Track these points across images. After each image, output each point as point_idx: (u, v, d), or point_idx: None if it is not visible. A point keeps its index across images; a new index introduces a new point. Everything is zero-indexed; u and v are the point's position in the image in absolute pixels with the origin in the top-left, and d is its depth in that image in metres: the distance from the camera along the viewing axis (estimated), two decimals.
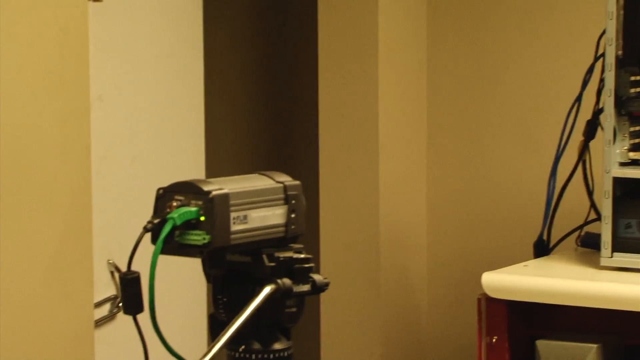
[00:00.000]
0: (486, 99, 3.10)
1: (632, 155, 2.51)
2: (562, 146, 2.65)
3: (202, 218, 1.58)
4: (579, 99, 2.63)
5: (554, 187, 2.66)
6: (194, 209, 1.58)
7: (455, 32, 3.13)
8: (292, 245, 1.66)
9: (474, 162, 3.11)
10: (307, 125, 3.28)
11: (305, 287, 1.63)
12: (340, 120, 3.08)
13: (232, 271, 1.65)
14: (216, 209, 1.58)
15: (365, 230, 3.06)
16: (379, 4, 3.03)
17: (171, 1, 2.84)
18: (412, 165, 3.13)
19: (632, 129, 2.52)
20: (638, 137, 2.53)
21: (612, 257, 2.50)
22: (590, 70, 2.61)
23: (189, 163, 2.87)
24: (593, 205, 2.67)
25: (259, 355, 1.65)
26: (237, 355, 1.65)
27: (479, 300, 2.52)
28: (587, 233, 2.68)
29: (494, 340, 2.51)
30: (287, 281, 1.61)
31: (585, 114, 2.64)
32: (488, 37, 3.09)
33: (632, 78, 2.50)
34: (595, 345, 2.45)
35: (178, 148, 2.84)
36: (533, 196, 2.85)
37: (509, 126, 3.07)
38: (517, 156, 3.06)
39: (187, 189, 1.59)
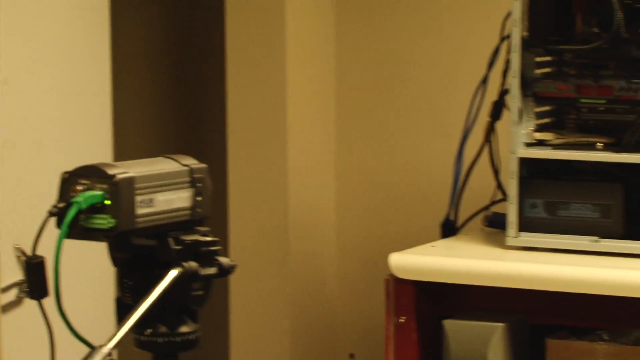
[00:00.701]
0: (394, 82, 3.11)
1: (538, 135, 2.54)
2: (468, 127, 2.67)
3: (107, 202, 1.58)
4: (484, 80, 2.65)
5: (460, 168, 2.67)
6: (99, 192, 1.58)
7: (363, 16, 3.13)
8: (198, 228, 1.67)
9: (381, 145, 3.13)
10: (216, 110, 3.27)
11: (212, 270, 1.64)
12: (249, 105, 3.09)
13: (138, 255, 1.65)
14: (121, 193, 1.58)
15: (274, 214, 3.07)
16: None
17: None
18: (321, 148, 3.14)
19: (537, 109, 2.55)
20: (543, 118, 2.56)
21: (518, 236, 2.53)
22: (496, 52, 2.63)
23: (96, 147, 2.85)
24: (499, 185, 2.69)
25: (166, 339, 1.65)
26: (143, 338, 1.65)
27: (386, 281, 2.53)
28: (493, 213, 2.70)
29: (401, 320, 2.52)
30: (193, 264, 1.62)
31: (492, 95, 2.65)
32: (395, 21, 3.10)
33: (537, 59, 2.54)
34: (501, 324, 2.47)
35: (85, 132, 2.82)
36: (441, 178, 2.87)
37: (416, 109, 3.09)
38: (424, 138, 3.08)
39: (92, 173, 1.60)
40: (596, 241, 2.48)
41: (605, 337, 2.46)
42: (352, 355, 3.09)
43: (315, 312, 3.13)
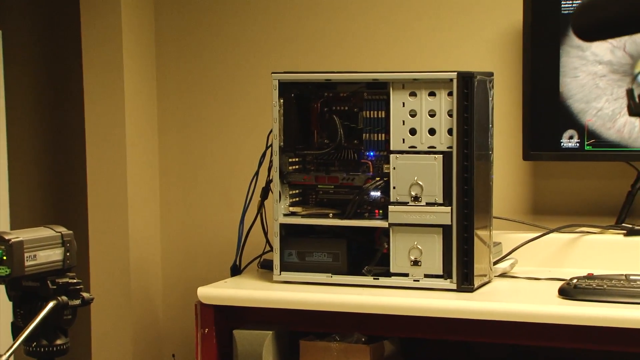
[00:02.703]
0: (199, 172, 3.08)
1: (292, 209, 2.54)
2: (247, 203, 2.66)
3: (4, 257, 1.52)
4: (256, 173, 2.64)
5: (242, 230, 2.66)
6: None
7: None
8: (67, 273, 1.61)
9: (197, 212, 3.07)
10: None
11: (77, 301, 1.60)
12: (101, 181, 3.01)
13: (26, 292, 1.59)
14: (14, 251, 1.52)
15: (119, 261, 3.00)
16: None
17: None
18: (150, 210, 3.09)
19: (290, 192, 2.55)
20: (294, 197, 2.56)
21: (280, 274, 2.52)
22: (263, 155, 2.62)
23: None
24: (267, 241, 2.68)
25: (46, 349, 1.59)
26: (30, 349, 1.59)
27: (195, 305, 2.50)
28: (264, 260, 2.68)
29: (206, 331, 2.48)
30: (64, 298, 1.57)
31: (261, 182, 2.64)
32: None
33: (290, 160, 2.54)
34: (270, 332, 2.46)
35: None
36: (231, 235, 2.83)
37: (217, 190, 3.06)
38: (219, 208, 3.05)
39: None
40: (330, 277, 2.48)
41: (338, 338, 2.46)
42: (173, 355, 3.03)
43: (150, 326, 3.07)
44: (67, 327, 1.59)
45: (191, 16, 3.03)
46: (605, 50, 2.58)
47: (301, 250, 2.50)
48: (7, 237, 1.50)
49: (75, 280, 1.58)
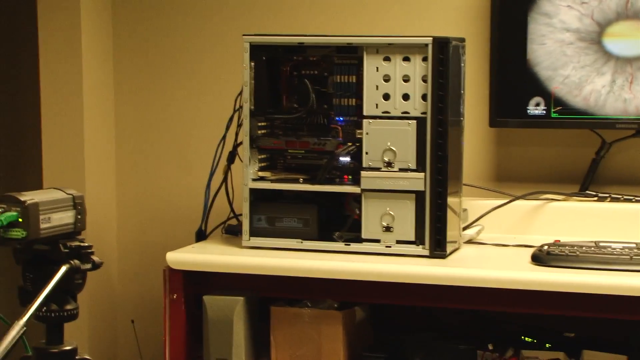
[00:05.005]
0: (158, 135, 3.05)
1: (260, 173, 2.54)
2: (213, 168, 2.65)
3: (20, 219, 1.49)
4: (224, 137, 2.63)
5: (208, 196, 2.65)
6: (14, 213, 1.49)
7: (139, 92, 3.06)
8: (77, 237, 1.59)
9: (156, 174, 3.04)
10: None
11: (88, 265, 1.58)
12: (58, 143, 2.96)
13: (36, 256, 1.57)
14: (30, 213, 1.49)
15: None
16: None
17: None
18: (105, 174, 3.05)
19: (259, 156, 2.55)
20: (263, 162, 2.56)
21: (249, 240, 2.51)
22: (231, 118, 2.61)
23: None
24: (232, 208, 2.68)
25: (57, 314, 1.57)
26: (40, 314, 1.56)
27: (164, 270, 2.48)
28: (229, 225, 2.68)
29: (174, 297, 2.47)
30: (77, 262, 1.55)
31: (228, 146, 2.63)
32: (161, 85, 3.03)
33: (259, 124, 2.53)
34: (241, 298, 2.46)
35: None
36: (196, 201, 2.81)
37: (176, 155, 3.03)
38: (183, 174, 3.02)
39: (8, 200, 1.50)
40: (301, 242, 2.49)
41: (309, 304, 2.48)
42: (132, 321, 3.01)
43: (105, 293, 3.03)
44: (77, 292, 1.57)
45: None
46: (573, 17, 2.64)
47: (271, 216, 2.50)
48: (22, 199, 1.47)
49: (85, 244, 1.56)
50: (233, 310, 2.43)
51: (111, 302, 3.05)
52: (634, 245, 2.39)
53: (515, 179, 2.78)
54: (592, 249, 2.37)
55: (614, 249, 2.35)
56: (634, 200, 2.64)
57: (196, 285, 2.49)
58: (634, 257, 2.28)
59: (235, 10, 2.93)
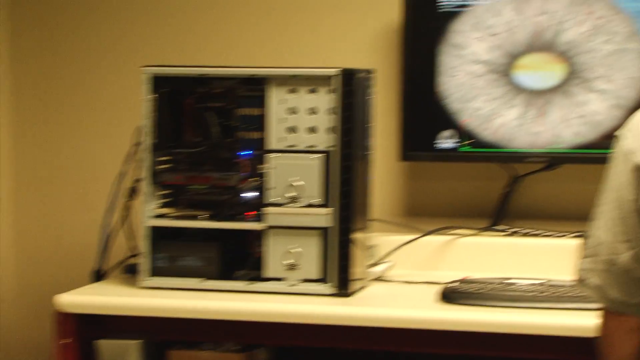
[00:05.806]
0: (57, 172, 2.94)
1: (162, 210, 2.46)
2: (109, 204, 2.55)
3: None
4: (122, 173, 2.54)
5: (105, 234, 2.55)
6: None
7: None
8: None
9: (54, 215, 2.93)
10: None
11: None
12: None
13: None
14: None
15: None
16: None
17: None
18: (3, 218, 2.93)
19: (161, 192, 2.46)
20: (166, 198, 2.47)
21: (148, 280, 2.42)
22: (131, 153, 2.51)
23: None
24: (130, 247, 2.58)
25: None
26: None
27: (54, 314, 2.36)
28: (129, 264, 2.57)
29: (66, 342, 2.36)
30: None
31: (127, 181, 2.54)
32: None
33: (162, 158, 2.45)
34: (135, 342, 2.36)
35: None
36: (92, 239, 2.69)
37: (77, 191, 2.92)
38: (85, 211, 2.90)
39: None
40: (203, 281, 2.40)
41: (210, 347, 2.38)
42: None
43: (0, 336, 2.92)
44: None
45: (51, 5, 2.90)
46: (484, 49, 2.59)
47: (171, 254, 2.41)
48: None
49: None
50: (128, 354, 2.33)
51: (5, 346, 2.92)
52: (542, 282, 2.35)
53: (426, 213, 2.72)
54: (499, 285, 2.32)
55: (521, 285, 2.31)
56: (541, 235, 2.60)
57: (90, 328, 2.37)
58: (539, 294, 2.24)
59: (138, 41, 2.85)
